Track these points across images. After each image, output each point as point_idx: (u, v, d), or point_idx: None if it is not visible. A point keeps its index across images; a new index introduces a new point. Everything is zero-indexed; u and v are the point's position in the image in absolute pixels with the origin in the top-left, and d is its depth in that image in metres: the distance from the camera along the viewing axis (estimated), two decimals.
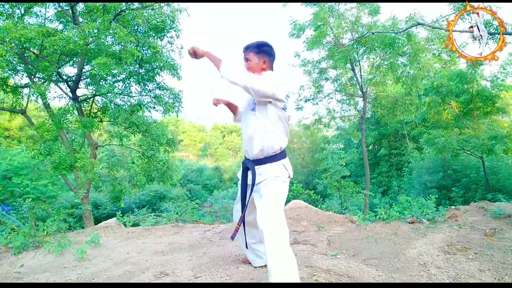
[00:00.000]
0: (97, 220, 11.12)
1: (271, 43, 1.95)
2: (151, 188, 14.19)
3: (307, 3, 10.72)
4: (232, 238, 1.99)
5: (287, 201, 4.61)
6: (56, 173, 7.00)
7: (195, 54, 1.82)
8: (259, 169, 1.89)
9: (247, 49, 1.91)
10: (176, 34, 8.20)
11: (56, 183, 14.45)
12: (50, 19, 7.63)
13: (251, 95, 1.78)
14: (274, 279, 1.66)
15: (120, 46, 6.92)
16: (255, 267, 2.33)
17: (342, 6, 10.62)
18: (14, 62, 6.80)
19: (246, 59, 1.90)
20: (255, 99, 1.83)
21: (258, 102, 1.84)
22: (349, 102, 13.71)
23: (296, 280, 1.68)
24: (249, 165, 1.92)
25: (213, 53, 1.82)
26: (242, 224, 2.07)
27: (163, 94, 8.90)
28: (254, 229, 2.15)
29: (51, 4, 7.20)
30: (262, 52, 1.89)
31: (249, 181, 1.95)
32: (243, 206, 2.00)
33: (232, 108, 2.23)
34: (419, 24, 8.56)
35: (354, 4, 10.45)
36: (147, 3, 7.24)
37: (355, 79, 12.27)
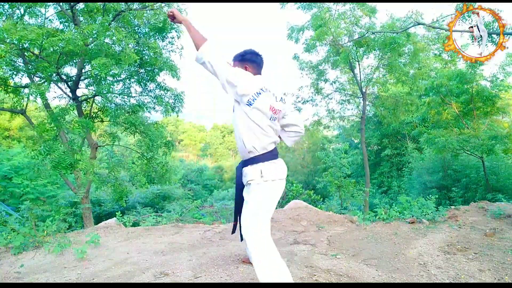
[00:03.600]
0: (100, 217, 11.12)
1: (258, 50, 2.03)
2: (154, 188, 14.21)
3: (304, 8, 10.72)
4: (233, 232, 2.10)
5: (287, 201, 4.61)
6: (55, 172, 7.00)
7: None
8: (244, 170, 1.94)
9: (234, 58, 2.02)
10: (177, 35, 8.21)
11: (56, 183, 14.45)
12: (50, 19, 7.64)
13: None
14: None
15: (119, 47, 6.92)
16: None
17: (339, 7, 10.61)
18: (15, 62, 6.81)
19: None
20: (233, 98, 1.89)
21: (233, 102, 1.91)
22: (349, 102, 13.72)
23: (289, 280, 1.69)
24: (238, 166, 2.00)
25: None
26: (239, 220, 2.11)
27: (163, 95, 8.90)
28: None
29: (51, 4, 7.19)
30: (244, 60, 1.98)
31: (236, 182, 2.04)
32: (237, 206, 2.04)
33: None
34: (419, 24, 8.57)
35: (348, 6, 10.43)
36: (147, 3, 7.24)
37: (354, 79, 12.27)
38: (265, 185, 1.84)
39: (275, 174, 1.87)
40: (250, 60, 1.97)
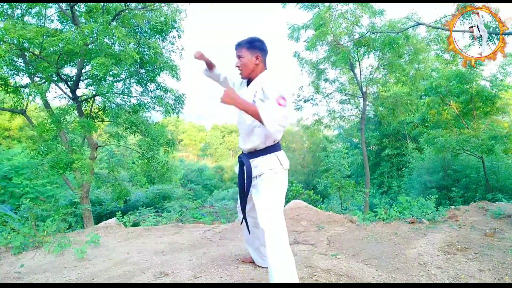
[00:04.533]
0: (100, 217, 11.13)
1: (263, 38, 1.93)
2: (155, 188, 14.26)
3: (306, 7, 10.72)
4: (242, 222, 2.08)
5: (287, 201, 4.61)
6: (53, 172, 7.01)
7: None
8: (253, 162, 1.89)
9: (239, 46, 1.88)
10: (178, 35, 8.20)
11: (55, 182, 14.44)
12: (51, 20, 7.64)
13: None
14: (275, 279, 1.66)
15: (119, 47, 6.93)
16: (258, 265, 2.33)
17: (340, 7, 10.62)
18: (16, 62, 6.81)
19: (239, 56, 1.87)
20: (254, 100, 1.83)
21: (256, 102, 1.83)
22: (349, 102, 13.73)
23: (296, 280, 1.69)
24: (244, 159, 1.93)
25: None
26: (245, 220, 2.08)
27: (164, 96, 8.91)
28: (257, 228, 2.14)
29: (51, 4, 7.19)
30: (254, 47, 1.85)
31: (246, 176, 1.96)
32: (243, 202, 2.00)
33: (210, 66, 2.22)
34: (420, 24, 8.57)
35: (351, 5, 10.43)
36: (146, 3, 7.24)
37: (355, 79, 12.29)
38: (284, 173, 1.86)
39: (288, 163, 1.91)
40: (260, 48, 1.87)
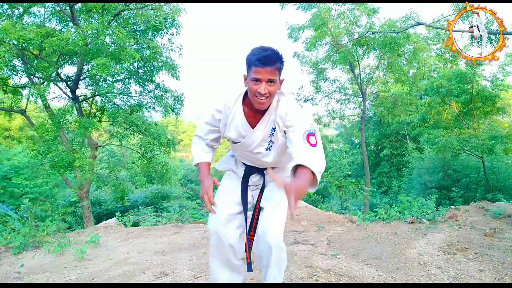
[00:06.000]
0: (100, 217, 11.13)
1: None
2: (154, 188, 14.26)
3: (304, 8, 10.74)
4: (249, 267, 1.66)
5: None
6: (54, 171, 7.02)
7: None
8: (272, 169, 1.66)
9: (273, 63, 1.26)
10: (176, 31, 8.15)
11: (53, 182, 14.42)
12: (49, 19, 7.63)
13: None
14: (276, 270, 1.55)
15: (118, 46, 6.92)
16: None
17: (338, 7, 10.64)
18: (14, 62, 6.80)
19: (270, 81, 1.29)
20: (272, 140, 1.54)
21: (276, 140, 1.52)
22: (349, 101, 13.76)
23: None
24: (254, 169, 1.74)
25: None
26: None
27: (163, 95, 8.90)
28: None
29: (51, 4, 7.19)
30: (282, 68, 1.37)
31: (252, 184, 1.78)
32: (246, 212, 1.73)
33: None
34: (419, 23, 8.57)
35: (349, 5, 10.43)
36: (147, 3, 7.23)
37: (354, 79, 12.30)
38: None
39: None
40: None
